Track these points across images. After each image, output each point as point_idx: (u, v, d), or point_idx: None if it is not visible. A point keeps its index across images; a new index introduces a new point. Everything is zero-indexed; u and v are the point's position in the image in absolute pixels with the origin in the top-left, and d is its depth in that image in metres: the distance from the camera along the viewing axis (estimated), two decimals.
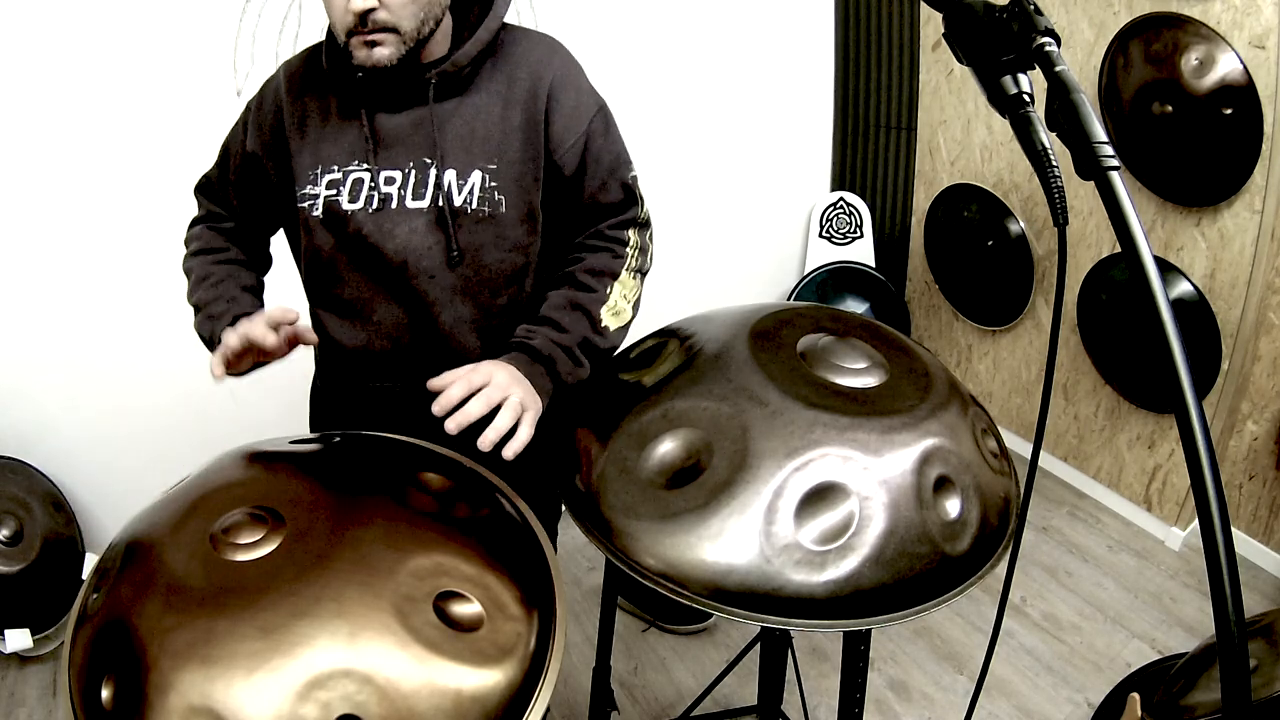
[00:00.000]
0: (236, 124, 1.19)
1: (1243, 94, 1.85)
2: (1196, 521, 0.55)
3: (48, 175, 1.88)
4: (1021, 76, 0.65)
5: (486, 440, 0.94)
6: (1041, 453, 1.28)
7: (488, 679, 0.71)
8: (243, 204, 1.21)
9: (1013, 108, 0.65)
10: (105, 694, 0.69)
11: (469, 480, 0.96)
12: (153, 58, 1.79)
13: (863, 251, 2.95)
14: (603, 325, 1.13)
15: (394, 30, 0.98)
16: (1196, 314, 2.08)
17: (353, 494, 0.85)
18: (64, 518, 2.11)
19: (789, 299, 2.96)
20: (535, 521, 0.92)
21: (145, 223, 1.90)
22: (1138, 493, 2.45)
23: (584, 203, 1.15)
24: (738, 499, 0.85)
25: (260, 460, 0.96)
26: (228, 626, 0.69)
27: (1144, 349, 2.23)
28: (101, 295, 1.95)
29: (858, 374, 0.98)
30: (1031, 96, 0.65)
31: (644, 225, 1.20)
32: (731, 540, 0.84)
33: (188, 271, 1.20)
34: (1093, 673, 2.00)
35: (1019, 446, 2.76)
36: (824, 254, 2.93)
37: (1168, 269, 2.12)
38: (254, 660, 0.67)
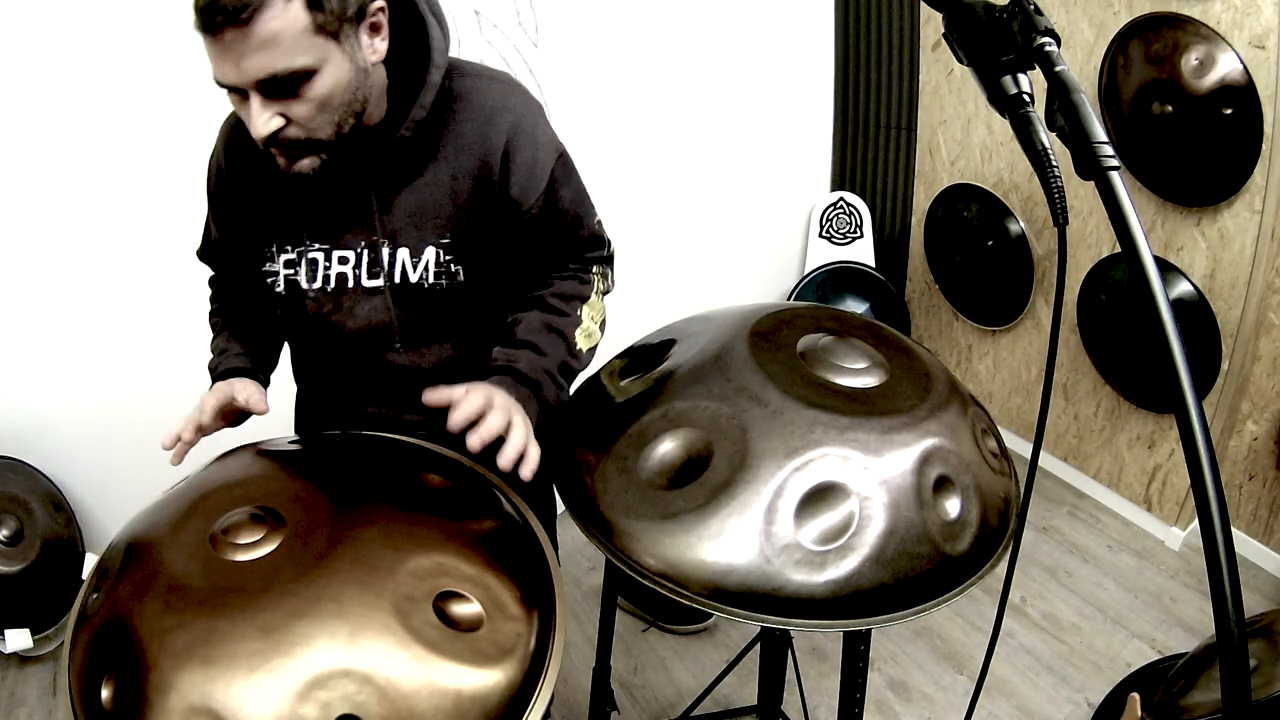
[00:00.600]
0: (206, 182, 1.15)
1: (1243, 94, 1.85)
2: (1196, 521, 0.55)
3: (49, 176, 1.88)
4: (1021, 76, 0.65)
5: (507, 458, 0.92)
6: (1041, 453, 1.28)
7: (488, 679, 0.71)
8: (231, 268, 1.20)
9: (1013, 108, 0.65)
10: (105, 694, 0.69)
11: (469, 480, 0.96)
12: (156, 56, 1.79)
13: (863, 251, 2.95)
14: (577, 348, 1.12)
15: (308, 143, 0.89)
16: (1196, 314, 2.08)
17: (353, 494, 0.85)
18: (64, 518, 2.11)
19: (789, 299, 2.96)
20: (535, 521, 0.92)
21: (146, 223, 1.90)
22: (1138, 493, 2.45)
23: (552, 247, 1.14)
24: (738, 499, 0.85)
25: (260, 460, 0.96)
26: (228, 626, 0.69)
27: (1144, 349, 2.23)
28: (102, 296, 1.95)
29: (858, 374, 0.98)
30: (1031, 96, 0.65)
31: (609, 259, 1.22)
32: (731, 540, 0.84)
33: (211, 323, 1.22)
34: (1093, 673, 2.00)
35: (1019, 446, 2.76)
36: (824, 254, 2.93)
37: (1168, 269, 2.12)
38: (254, 660, 0.67)
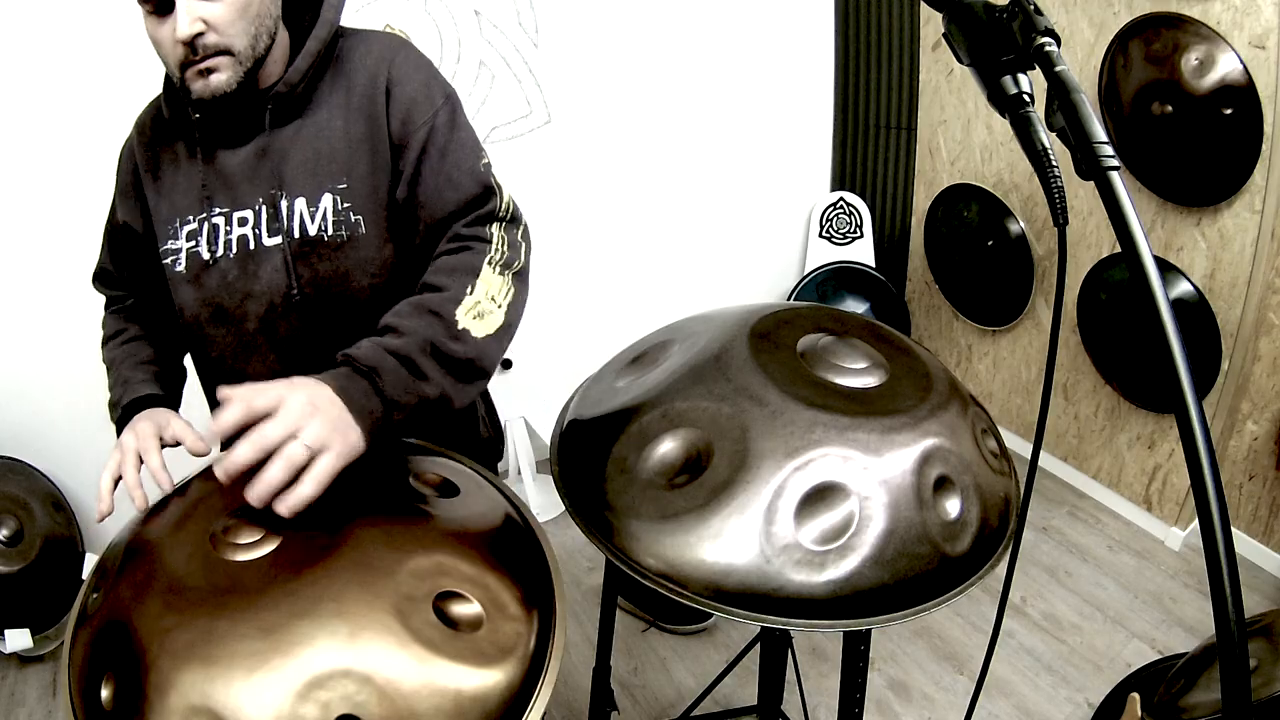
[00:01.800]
0: (111, 203, 1.15)
1: (1243, 94, 1.85)
2: (1196, 521, 0.55)
3: (49, 176, 1.88)
4: (1021, 76, 0.65)
5: (254, 494, 0.76)
6: (1041, 453, 1.28)
7: (488, 679, 0.71)
8: (134, 279, 1.17)
9: (1013, 108, 0.65)
10: (105, 694, 0.69)
11: (469, 480, 0.96)
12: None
13: (863, 251, 2.95)
14: (460, 328, 0.94)
15: (227, 52, 0.92)
16: (1196, 314, 2.08)
17: (352, 494, 0.85)
18: (64, 518, 2.11)
19: (789, 299, 2.96)
20: (535, 521, 0.92)
21: None
22: (1138, 493, 2.45)
23: (434, 202, 1.02)
24: (738, 499, 0.85)
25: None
26: (228, 626, 0.69)
27: (1144, 349, 2.23)
28: (102, 296, 1.95)
29: (858, 374, 0.98)
30: (1031, 96, 0.65)
31: (509, 220, 1.06)
32: (731, 540, 0.84)
33: (104, 364, 1.15)
34: (1093, 673, 2.00)
35: (1019, 446, 2.76)
36: (824, 254, 2.93)
37: (1168, 269, 2.12)
38: (254, 660, 0.67)
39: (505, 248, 1.02)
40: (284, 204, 1.00)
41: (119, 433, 0.99)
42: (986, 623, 2.15)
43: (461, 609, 0.75)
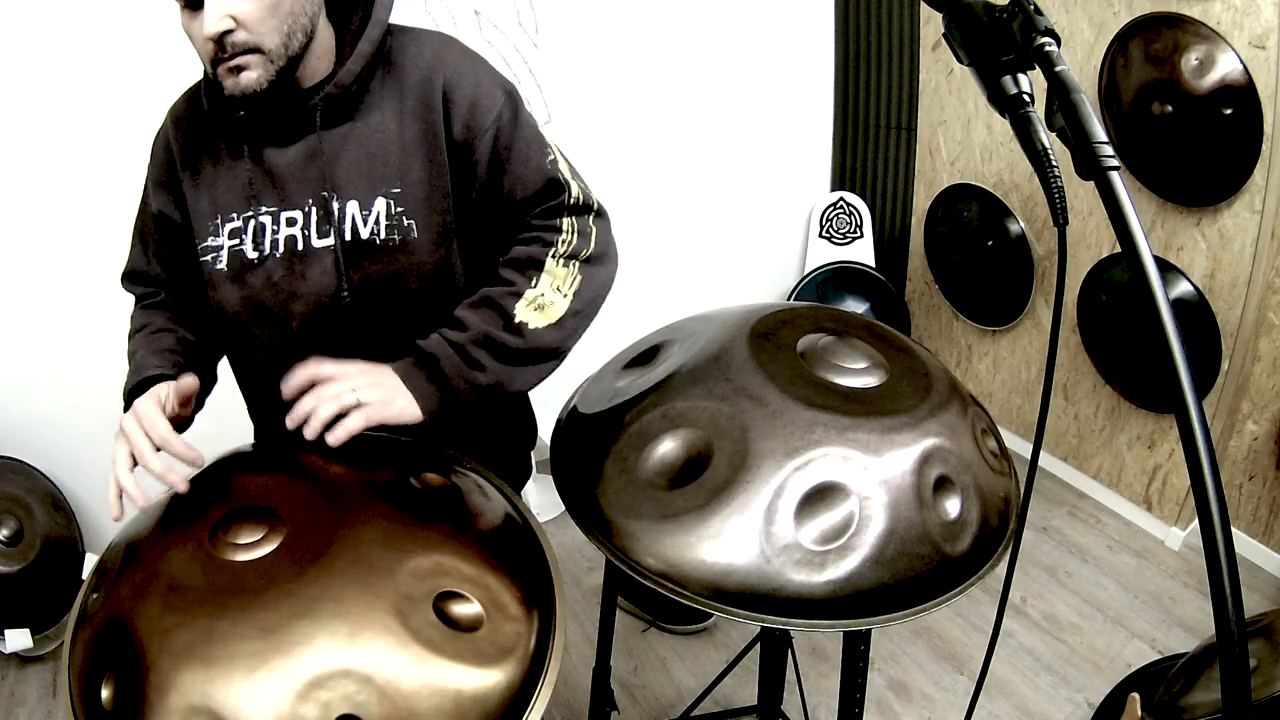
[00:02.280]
0: (142, 196, 1.11)
1: (1243, 94, 1.85)
2: (1196, 521, 0.55)
3: (49, 177, 1.88)
4: (1021, 76, 0.65)
5: (309, 430, 0.90)
6: (1041, 453, 1.28)
7: (488, 679, 0.71)
8: (170, 273, 1.12)
9: (1013, 108, 0.65)
10: (105, 694, 0.69)
11: (469, 480, 0.96)
12: (159, 58, 1.79)
13: (863, 251, 2.95)
14: (517, 321, 0.99)
15: (257, 50, 0.90)
16: (1196, 314, 2.08)
17: (352, 494, 0.85)
18: (64, 518, 2.11)
19: (789, 299, 2.96)
20: (535, 521, 0.92)
21: None
22: (1138, 493, 2.45)
23: (505, 201, 1.04)
24: (738, 499, 0.85)
25: (260, 460, 0.96)
26: (228, 626, 0.69)
27: (1144, 349, 2.23)
28: (102, 296, 1.95)
29: (858, 374, 0.98)
30: (1031, 96, 0.65)
31: (580, 210, 1.07)
32: (731, 540, 0.84)
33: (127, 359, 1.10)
34: (1093, 673, 2.00)
35: (1019, 446, 2.76)
36: (824, 254, 2.93)
37: (1168, 269, 2.12)
38: (254, 660, 0.67)
39: (577, 237, 1.05)
40: (335, 206, 0.99)
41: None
42: (986, 623, 2.15)
43: (461, 609, 0.75)
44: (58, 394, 2.05)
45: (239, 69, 0.91)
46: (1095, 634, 2.11)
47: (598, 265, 1.07)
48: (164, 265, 1.11)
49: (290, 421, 0.92)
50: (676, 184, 2.63)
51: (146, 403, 0.92)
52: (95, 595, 0.78)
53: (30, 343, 2.00)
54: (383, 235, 1.00)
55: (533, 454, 2.56)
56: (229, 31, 0.88)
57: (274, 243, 1.01)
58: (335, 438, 0.90)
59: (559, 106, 2.34)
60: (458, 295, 1.06)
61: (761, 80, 2.63)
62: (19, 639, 1.99)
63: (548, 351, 1.03)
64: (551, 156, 1.06)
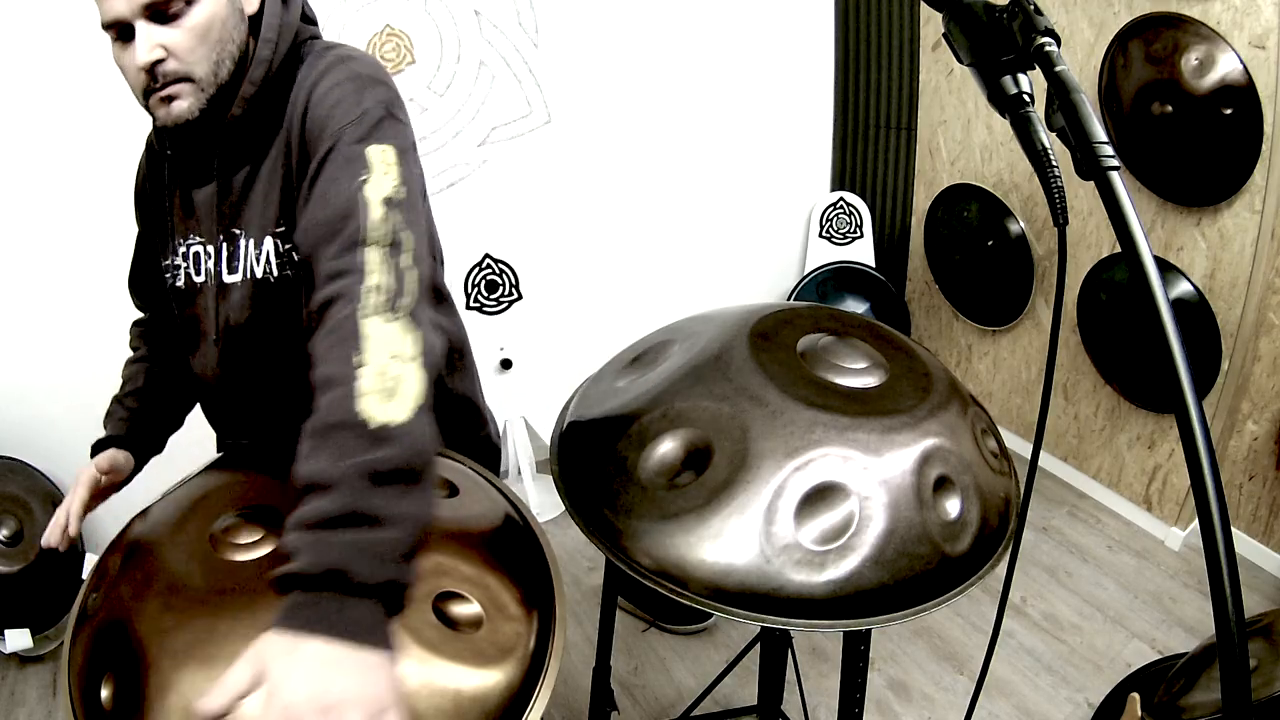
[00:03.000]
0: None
1: (1243, 94, 1.85)
2: (1196, 521, 0.55)
3: (49, 177, 1.88)
4: (1021, 76, 0.65)
5: None
6: (1041, 453, 1.28)
7: (488, 679, 0.71)
8: (153, 287, 1.17)
9: (1013, 108, 0.65)
10: (105, 694, 0.69)
11: (468, 480, 0.96)
12: None
13: (863, 251, 2.95)
14: (373, 427, 0.69)
15: (188, 79, 0.90)
16: (1196, 314, 2.08)
17: None
18: None
19: (789, 299, 2.96)
20: (535, 521, 0.92)
21: None
22: (1138, 493, 2.45)
23: (302, 231, 0.87)
24: (738, 499, 0.85)
25: (260, 460, 0.96)
26: (228, 626, 0.69)
27: (1144, 349, 2.23)
28: (102, 296, 1.95)
29: (858, 374, 0.98)
30: (1031, 96, 0.65)
31: (390, 245, 0.82)
32: (731, 540, 0.84)
33: None
34: (1093, 673, 2.00)
35: (1019, 446, 2.76)
36: (824, 254, 2.93)
37: (1168, 269, 2.12)
38: None
39: (386, 283, 0.79)
40: (241, 243, 1.00)
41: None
42: (986, 623, 2.15)
43: (461, 609, 0.75)
44: (58, 394, 2.04)
45: (170, 99, 0.91)
46: (1095, 634, 2.11)
47: (415, 321, 0.78)
48: (148, 278, 1.17)
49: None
50: (676, 184, 2.63)
51: (88, 471, 1.03)
52: (95, 595, 0.78)
53: (30, 343, 2.00)
54: (275, 273, 0.99)
55: (522, 456, 2.57)
56: (159, 61, 0.88)
57: (207, 271, 1.04)
58: None
59: (559, 106, 2.34)
60: None
61: (761, 80, 2.63)
62: (19, 639, 1.99)
63: (427, 452, 0.72)
64: (364, 177, 0.85)
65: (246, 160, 0.98)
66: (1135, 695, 1.29)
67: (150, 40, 0.87)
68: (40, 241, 1.92)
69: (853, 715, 1.13)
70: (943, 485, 0.90)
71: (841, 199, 2.89)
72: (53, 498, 2.09)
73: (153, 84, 0.90)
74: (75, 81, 1.80)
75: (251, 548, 0.76)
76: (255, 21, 0.97)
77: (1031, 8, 0.62)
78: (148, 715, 0.65)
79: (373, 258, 0.80)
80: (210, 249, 1.02)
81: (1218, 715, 1.44)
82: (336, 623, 0.62)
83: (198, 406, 1.20)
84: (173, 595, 0.72)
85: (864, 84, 2.77)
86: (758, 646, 1.59)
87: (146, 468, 1.13)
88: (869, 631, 1.12)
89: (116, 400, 1.15)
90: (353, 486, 0.67)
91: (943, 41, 0.81)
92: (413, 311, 0.78)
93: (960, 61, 0.69)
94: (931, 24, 2.60)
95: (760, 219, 2.86)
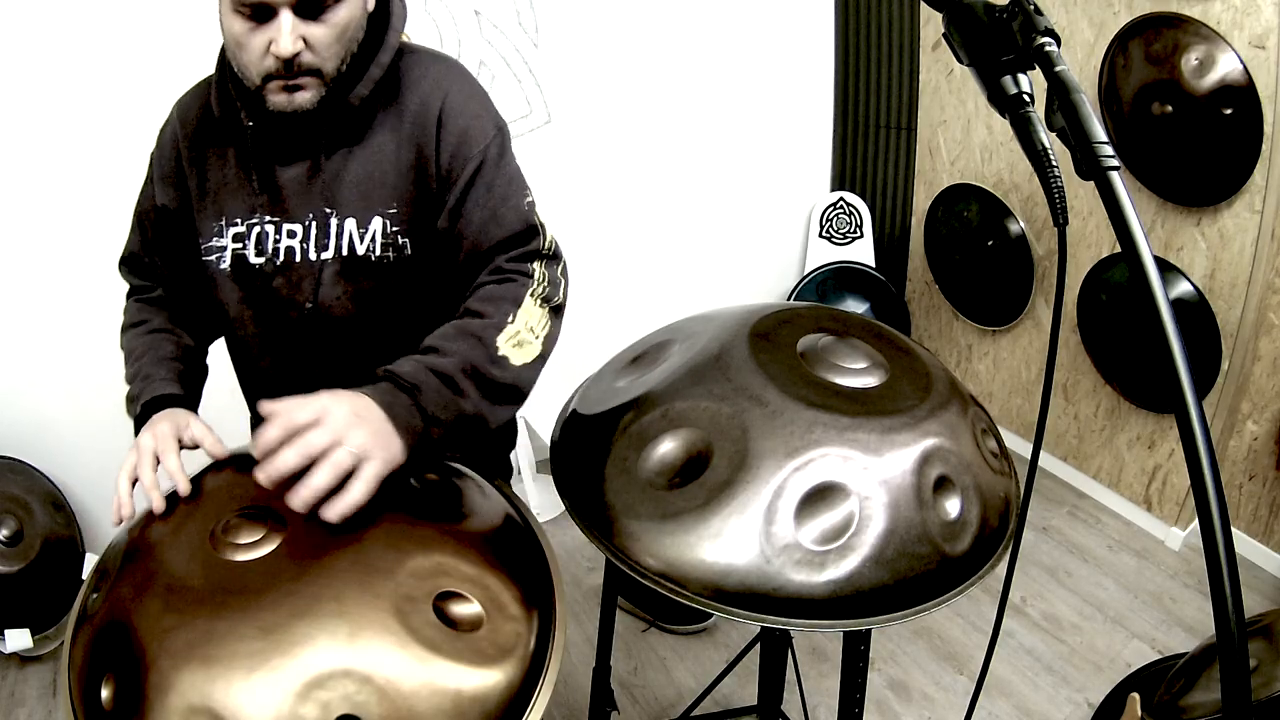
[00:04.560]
0: (144, 184, 1.13)
1: (1243, 94, 1.85)
2: (1196, 521, 0.55)
3: (49, 177, 1.88)
4: (1021, 76, 0.65)
5: (299, 499, 0.76)
6: (1041, 453, 1.28)
7: (488, 679, 0.71)
8: (168, 265, 1.13)
9: (1013, 108, 0.65)
10: (105, 694, 0.69)
11: (468, 481, 0.96)
12: (159, 60, 1.79)
13: (863, 251, 2.95)
14: (500, 354, 0.95)
15: (318, 72, 0.93)
16: (1196, 314, 2.08)
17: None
18: (64, 518, 2.11)
19: (789, 299, 2.96)
20: (535, 521, 0.92)
21: None
22: (1138, 493, 2.45)
23: (479, 235, 1.03)
24: (738, 499, 0.85)
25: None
26: (228, 626, 0.69)
27: (1144, 349, 2.23)
28: (102, 296, 1.95)
29: (858, 374, 0.98)
30: (1031, 96, 0.65)
31: (550, 258, 1.06)
32: (731, 540, 0.84)
33: (123, 352, 1.12)
34: (1093, 673, 2.00)
35: (1019, 446, 2.76)
36: (824, 254, 2.93)
37: (1168, 269, 2.12)
38: (254, 660, 0.67)
39: (548, 285, 1.03)
40: (334, 222, 1.01)
41: (136, 430, 0.98)
42: (986, 623, 2.15)
43: (461, 609, 0.75)
44: (58, 394, 2.05)
45: (295, 88, 0.93)
46: (1095, 634, 2.11)
47: (559, 317, 1.05)
48: (162, 257, 1.13)
49: (265, 479, 0.78)
50: (676, 184, 2.63)
51: (165, 428, 0.93)
52: (95, 595, 0.78)
53: (30, 343, 2.00)
54: (378, 252, 1.02)
55: (522, 456, 2.57)
56: (298, 54, 0.89)
57: (275, 251, 1.03)
58: (336, 514, 0.77)
59: (559, 106, 2.34)
60: (435, 320, 1.03)
61: (761, 80, 2.63)
62: (19, 639, 1.99)
63: (521, 392, 0.99)
64: (530, 199, 1.06)
65: (346, 142, 1.00)
66: (1135, 695, 1.29)
67: (296, 32, 0.88)
68: (40, 241, 1.92)
69: (853, 715, 1.13)
70: (943, 485, 0.90)
71: (841, 199, 2.89)
72: (53, 498, 2.09)
73: (283, 72, 0.91)
74: (75, 81, 1.80)
75: (252, 547, 0.76)
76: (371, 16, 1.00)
77: (1031, 8, 0.62)
78: (148, 715, 0.65)
79: (539, 267, 1.04)
80: (296, 227, 1.02)
81: (1218, 715, 1.44)
82: (394, 408, 0.85)
83: (207, 397, 1.18)
84: (173, 595, 0.72)
85: (864, 84, 2.77)
86: (758, 646, 1.59)
87: None
88: (869, 631, 1.12)
89: (156, 362, 1.06)
90: (461, 367, 0.92)
91: (943, 41, 0.81)
92: (556, 308, 1.04)
93: (960, 61, 0.69)
94: (931, 24, 2.60)
95: (760, 219, 2.86)
